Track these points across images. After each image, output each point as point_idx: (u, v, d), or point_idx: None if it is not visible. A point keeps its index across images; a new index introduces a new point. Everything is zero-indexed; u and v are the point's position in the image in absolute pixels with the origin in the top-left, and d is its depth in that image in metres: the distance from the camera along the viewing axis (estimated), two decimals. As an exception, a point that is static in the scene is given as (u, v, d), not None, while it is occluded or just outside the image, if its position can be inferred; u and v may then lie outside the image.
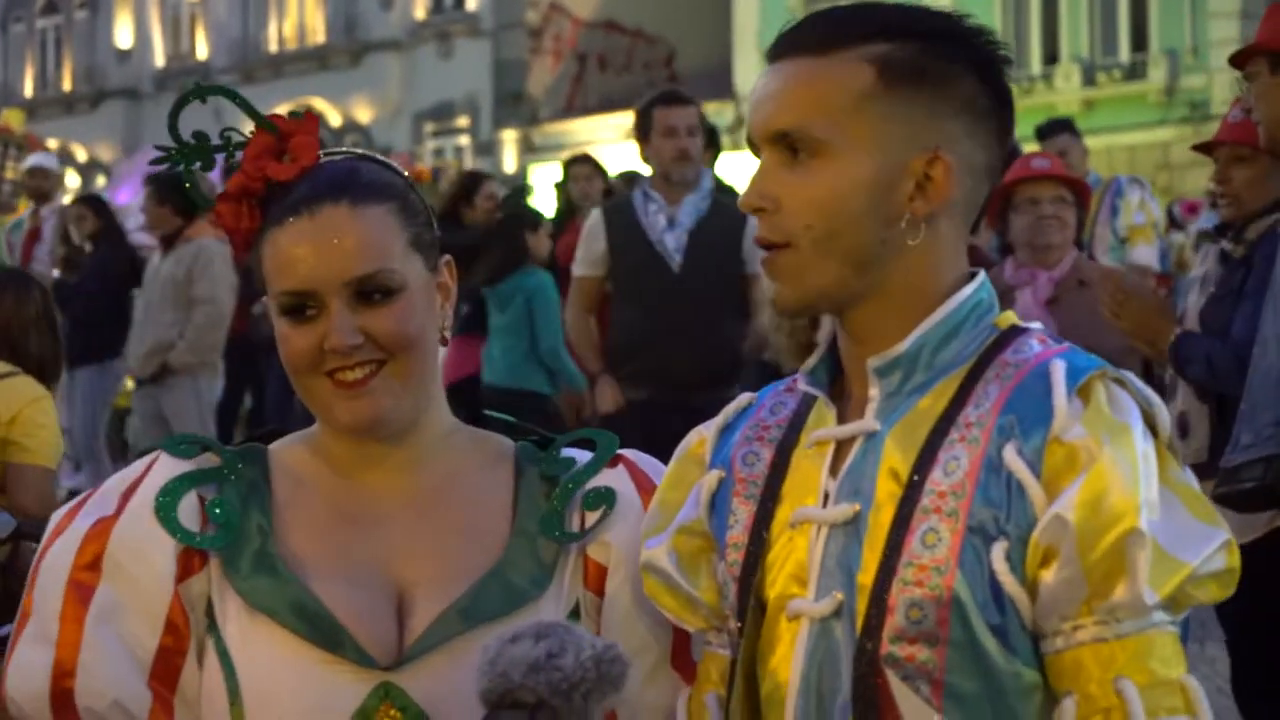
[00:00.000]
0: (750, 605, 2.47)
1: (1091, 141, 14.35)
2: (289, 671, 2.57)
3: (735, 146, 18.96)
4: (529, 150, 35.84)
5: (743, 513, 2.51)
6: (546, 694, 2.27)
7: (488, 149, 36.34)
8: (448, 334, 2.72)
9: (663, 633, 2.66)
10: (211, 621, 2.63)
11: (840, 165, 2.39)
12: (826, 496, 2.43)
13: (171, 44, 41.62)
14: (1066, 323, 6.26)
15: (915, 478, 2.36)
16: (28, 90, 42.65)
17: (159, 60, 41.56)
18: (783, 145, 2.42)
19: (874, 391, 2.43)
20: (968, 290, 2.44)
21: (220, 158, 2.72)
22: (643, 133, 8.53)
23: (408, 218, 2.66)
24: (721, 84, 33.76)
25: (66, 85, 42.23)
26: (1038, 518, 2.28)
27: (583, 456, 2.77)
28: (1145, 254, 10.42)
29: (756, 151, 2.47)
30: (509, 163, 35.38)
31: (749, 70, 33.56)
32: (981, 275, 2.48)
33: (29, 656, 2.61)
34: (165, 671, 2.62)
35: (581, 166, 13.53)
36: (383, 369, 2.61)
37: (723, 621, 2.55)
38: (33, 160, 14.78)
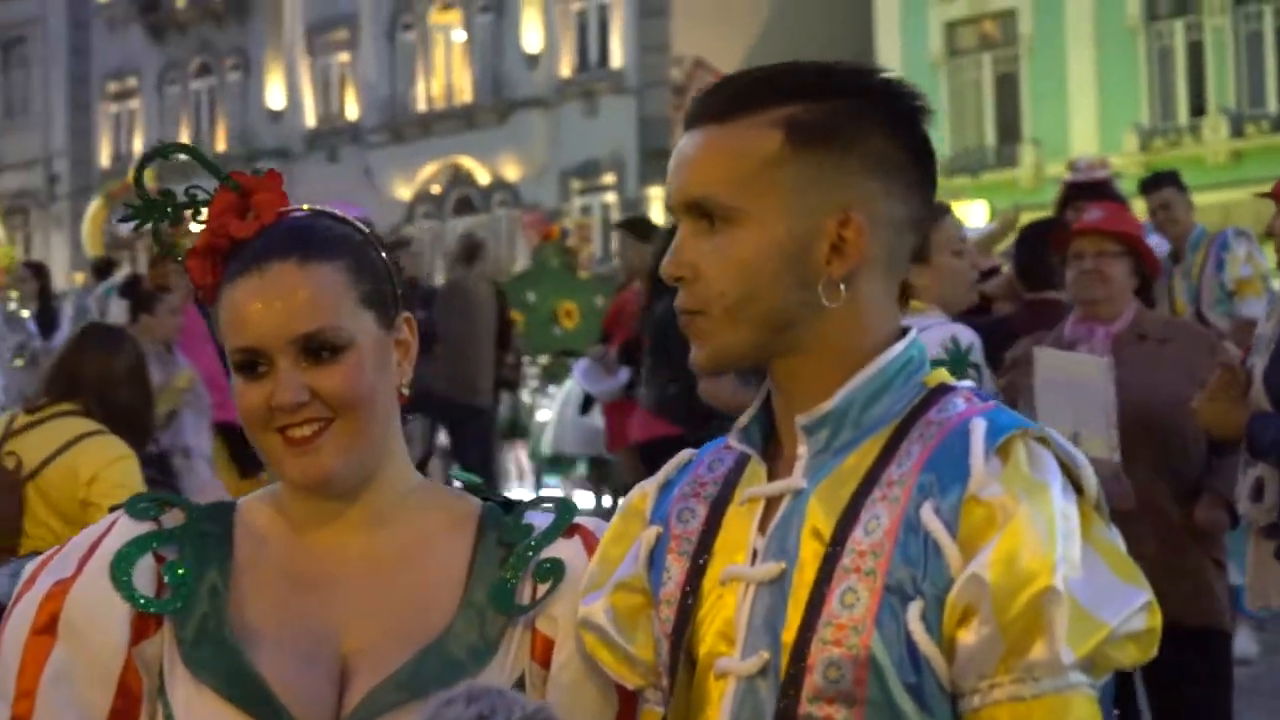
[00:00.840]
0: (681, 662, 2.46)
1: (1239, 193, 14.12)
2: None
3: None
4: (674, 207, 35.87)
5: (675, 569, 2.50)
6: None
7: (634, 205, 36.43)
8: (405, 390, 2.72)
9: (608, 707, 2.63)
10: (162, 685, 2.64)
11: (752, 232, 2.38)
12: (755, 554, 2.42)
13: (322, 104, 42.20)
14: (1125, 377, 6.18)
15: (838, 537, 2.34)
16: (182, 151, 43.36)
17: (310, 120, 42.16)
18: (697, 214, 2.41)
19: (802, 449, 2.43)
20: (898, 348, 2.43)
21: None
22: None
23: (359, 274, 2.66)
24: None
25: (220, 146, 42.88)
26: (953, 577, 2.26)
27: (544, 522, 2.75)
28: (1254, 307, 10.20)
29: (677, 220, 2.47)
30: (656, 220, 35.46)
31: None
32: (913, 333, 2.47)
33: None
34: None
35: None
36: (330, 426, 2.61)
37: (659, 679, 2.54)
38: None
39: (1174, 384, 6.21)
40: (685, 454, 2.65)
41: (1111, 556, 2.31)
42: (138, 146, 43.75)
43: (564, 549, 2.70)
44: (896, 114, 2.43)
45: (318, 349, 2.61)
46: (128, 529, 2.70)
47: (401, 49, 40.83)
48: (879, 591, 2.29)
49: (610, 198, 38.00)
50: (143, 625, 2.64)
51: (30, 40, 45.79)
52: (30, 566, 2.75)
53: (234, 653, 2.60)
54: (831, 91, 2.42)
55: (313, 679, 2.60)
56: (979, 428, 2.33)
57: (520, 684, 2.65)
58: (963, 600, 2.25)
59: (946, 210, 6.49)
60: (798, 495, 2.40)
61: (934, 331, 6.11)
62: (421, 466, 3.38)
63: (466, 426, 14.88)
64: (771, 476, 2.47)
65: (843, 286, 2.39)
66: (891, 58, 33.53)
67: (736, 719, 2.38)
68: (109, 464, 6.43)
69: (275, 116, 42.28)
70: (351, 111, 41.61)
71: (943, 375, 2.46)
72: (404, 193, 39.79)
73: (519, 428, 18.62)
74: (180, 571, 2.67)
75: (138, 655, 2.64)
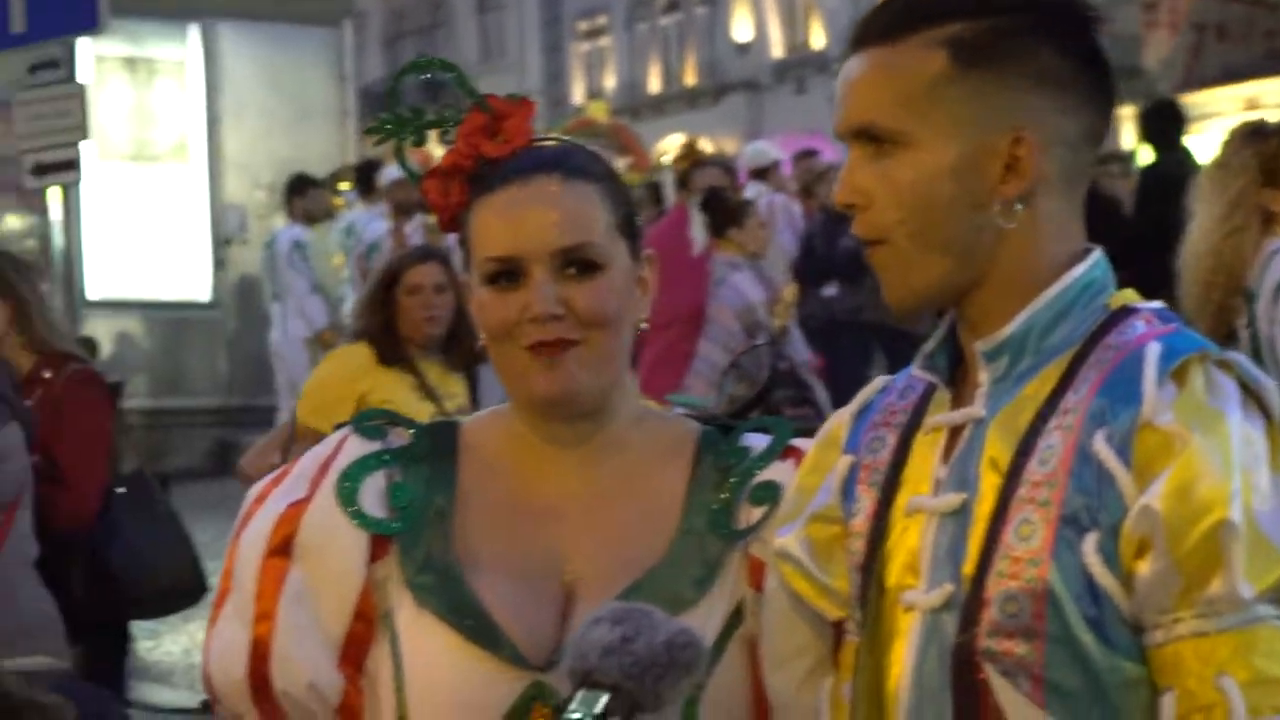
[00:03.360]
0: (872, 594, 2.43)
1: None
2: (448, 666, 2.62)
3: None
4: (1145, 125, 35.01)
5: (865, 500, 2.47)
6: (618, 677, 2.34)
7: (1105, 126, 35.66)
8: (644, 325, 2.73)
9: (823, 634, 2.58)
10: (389, 609, 2.68)
11: (922, 154, 2.34)
12: (938, 484, 2.39)
13: (789, 34, 42.23)
14: None
15: (1014, 467, 2.29)
16: (653, 87, 43.97)
17: (777, 51, 42.23)
18: (865, 139, 2.38)
19: (983, 377, 2.38)
20: (1079, 269, 2.36)
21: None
22: None
23: (615, 201, 2.69)
24: (1347, 49, 32.51)
25: (689, 80, 43.33)
26: (1128, 507, 2.20)
27: (761, 444, 2.74)
28: None
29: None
30: (1127, 139, 34.67)
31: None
32: (1096, 253, 2.39)
33: (228, 637, 2.69)
34: (354, 655, 2.67)
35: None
36: (577, 347, 2.62)
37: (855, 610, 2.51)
38: (390, 172, 14.71)
39: None
40: (881, 380, 2.61)
41: None
42: (609, 84, 44.51)
43: (780, 471, 2.68)
44: (1064, 27, 2.37)
45: (575, 264, 2.63)
46: (356, 448, 2.74)
47: (867, -26, 40.62)
48: (1054, 523, 2.23)
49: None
50: (376, 547, 2.69)
51: (505, -16, 46.96)
52: (258, 485, 2.80)
53: (458, 580, 2.64)
54: (994, 8, 2.36)
55: (535, 608, 2.64)
56: (1154, 351, 2.25)
57: (739, 610, 2.65)
58: (1137, 532, 2.18)
59: None
60: (978, 424, 2.36)
61: None
62: (762, 396, 3.36)
63: (904, 352, 14.86)
64: (957, 404, 2.42)
65: (1019, 206, 2.33)
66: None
67: (924, 652, 2.35)
68: None
69: (742, 49, 42.44)
70: (817, 40, 41.55)
71: (1127, 296, 2.38)
72: (871, 120, 39.56)
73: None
74: (407, 494, 2.71)
75: (371, 575, 2.68)
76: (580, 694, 2.36)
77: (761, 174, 15.97)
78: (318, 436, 2.90)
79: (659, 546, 2.67)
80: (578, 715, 2.35)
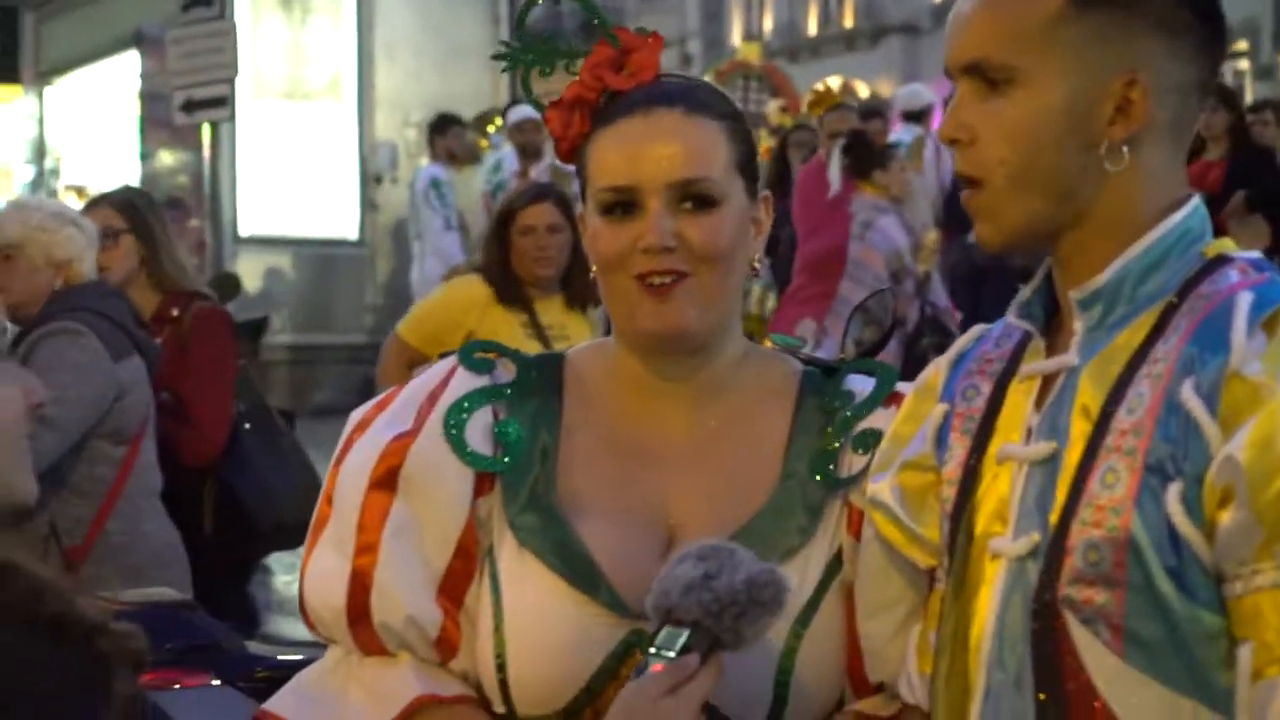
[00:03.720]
0: (960, 542, 2.42)
1: None
2: (548, 609, 2.61)
3: None
4: (1309, 73, 34.37)
5: (958, 448, 2.46)
6: (699, 614, 2.36)
7: (1268, 73, 35.07)
8: (758, 266, 2.72)
9: (917, 582, 2.57)
10: (489, 544, 2.68)
11: (1033, 92, 2.32)
12: (1030, 433, 2.37)
13: (949, -23, 41.86)
14: None
15: (1103, 415, 2.27)
16: (811, 29, 43.72)
17: (937, -6, 41.91)
18: (976, 75, 2.36)
19: (1077, 325, 2.36)
20: (1176, 217, 2.33)
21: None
22: None
23: (736, 139, 2.69)
24: None
25: (847, 22, 43.01)
26: (1212, 457, 2.17)
27: (865, 388, 2.73)
28: None
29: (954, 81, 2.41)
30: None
31: None
32: (1194, 201, 2.36)
33: (328, 566, 2.69)
34: (453, 590, 2.67)
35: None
36: (686, 280, 2.62)
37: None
38: (516, 113, 14.58)
39: None
40: (977, 329, 2.60)
41: None
42: (767, 26, 44.32)
43: (884, 418, 2.67)
44: None
45: (693, 198, 2.63)
46: (463, 382, 2.74)
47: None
48: (1139, 472, 2.21)
49: (1243, 65, 36.60)
50: (479, 483, 2.69)
51: (664, -76, 46.82)
52: (360, 411, 2.79)
53: (561, 522, 2.64)
54: None
55: (637, 553, 2.62)
56: (1244, 301, 2.22)
57: (838, 557, 2.64)
58: (1220, 482, 2.16)
59: None
60: (1071, 372, 2.34)
61: None
62: (885, 341, 3.27)
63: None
64: (1051, 353, 2.41)
65: (1125, 149, 2.30)
66: None
67: (1007, 600, 2.33)
68: None
69: (902, -9, 42.15)
70: (979, -16, 41.12)
71: (1224, 245, 2.35)
72: (1030, 65, 39.06)
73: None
74: (514, 430, 2.71)
75: (474, 513, 2.68)
76: (663, 630, 2.38)
77: (916, 117, 15.85)
78: (411, 352, 2.89)
79: (761, 492, 2.66)
80: (660, 651, 2.37)
